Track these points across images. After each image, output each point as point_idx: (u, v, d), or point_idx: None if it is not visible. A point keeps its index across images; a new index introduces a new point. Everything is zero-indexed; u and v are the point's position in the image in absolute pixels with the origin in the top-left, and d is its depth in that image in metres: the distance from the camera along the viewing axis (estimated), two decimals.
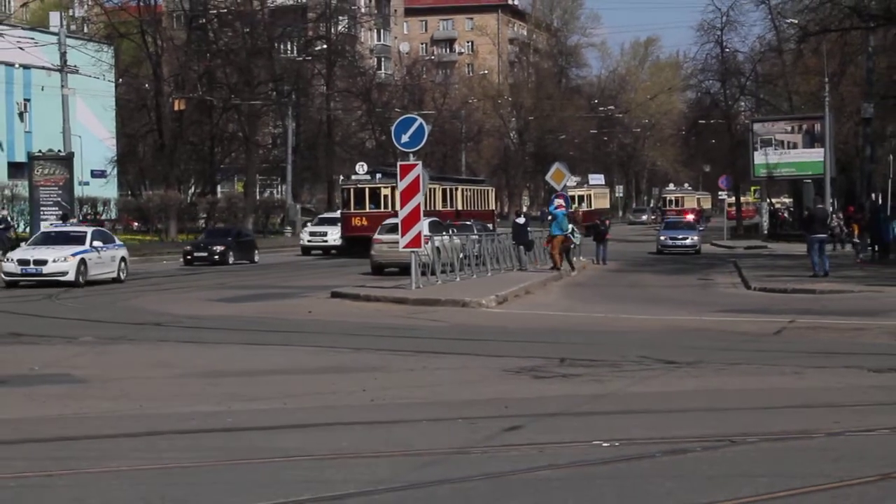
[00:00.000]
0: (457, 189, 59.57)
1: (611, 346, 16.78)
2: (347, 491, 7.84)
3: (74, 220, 47.50)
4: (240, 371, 14.51)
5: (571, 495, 7.77)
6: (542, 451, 9.20)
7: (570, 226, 37.12)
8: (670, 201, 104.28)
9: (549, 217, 37.55)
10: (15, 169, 62.25)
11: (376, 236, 37.68)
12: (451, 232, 35.22)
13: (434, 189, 52.99)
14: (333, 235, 52.21)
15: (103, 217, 55.53)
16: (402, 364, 14.95)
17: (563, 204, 37.77)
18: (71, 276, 30.96)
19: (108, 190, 66.38)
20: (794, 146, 62.00)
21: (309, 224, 57.54)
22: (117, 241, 36.13)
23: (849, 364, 14.56)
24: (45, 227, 41.07)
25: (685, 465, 8.78)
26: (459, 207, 57.82)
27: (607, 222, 48.47)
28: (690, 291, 30.15)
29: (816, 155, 57.25)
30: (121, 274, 33.66)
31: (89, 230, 34.85)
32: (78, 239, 32.97)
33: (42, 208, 49.04)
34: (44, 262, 31.00)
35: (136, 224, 65.97)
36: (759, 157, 63.54)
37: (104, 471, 8.61)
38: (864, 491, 7.91)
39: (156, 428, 10.39)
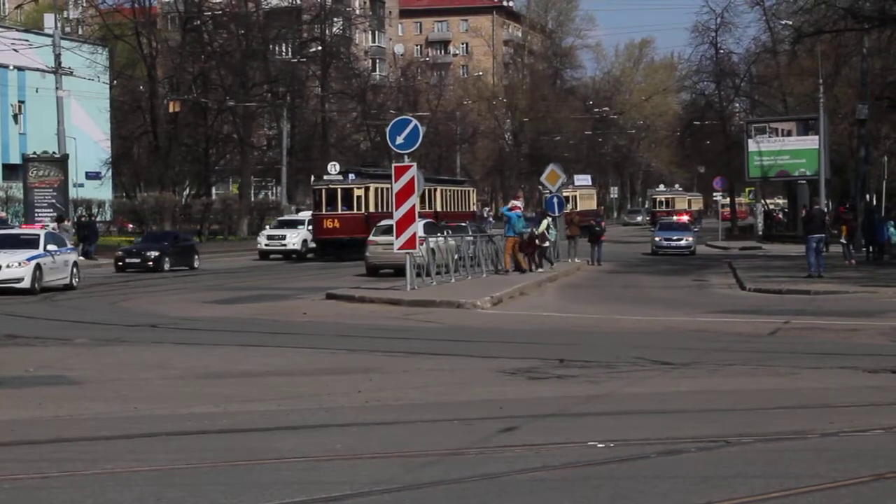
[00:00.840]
0: (436, 190, 58.00)
1: (605, 347, 16.81)
2: (343, 492, 7.84)
3: (69, 223, 47.52)
4: (236, 372, 14.51)
5: (566, 496, 7.78)
6: (538, 452, 9.21)
7: (546, 223, 37.08)
8: (660, 202, 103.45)
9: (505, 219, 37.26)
10: (9, 171, 62.30)
11: (371, 238, 37.66)
12: (445, 233, 35.18)
13: None
14: (293, 239, 49.82)
15: (98, 219, 55.36)
16: (398, 365, 14.96)
17: (518, 206, 37.80)
18: (27, 283, 28.52)
19: (102, 192, 66.33)
20: (789, 133, 62.13)
21: (267, 227, 54.58)
22: (69, 245, 34.33)
23: (844, 365, 14.59)
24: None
25: (680, 466, 8.79)
26: (438, 209, 56.60)
27: (602, 223, 48.51)
28: (685, 292, 30.18)
29: (811, 143, 57.35)
30: (73, 280, 31.38)
31: (42, 233, 32.48)
32: (31, 242, 30.35)
33: (37, 210, 49.13)
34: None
35: (130, 226, 65.94)
36: (752, 146, 63.64)
37: (100, 473, 8.61)
38: (859, 491, 7.92)
39: (152, 430, 10.39)
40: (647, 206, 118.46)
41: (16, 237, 31.50)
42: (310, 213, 51.74)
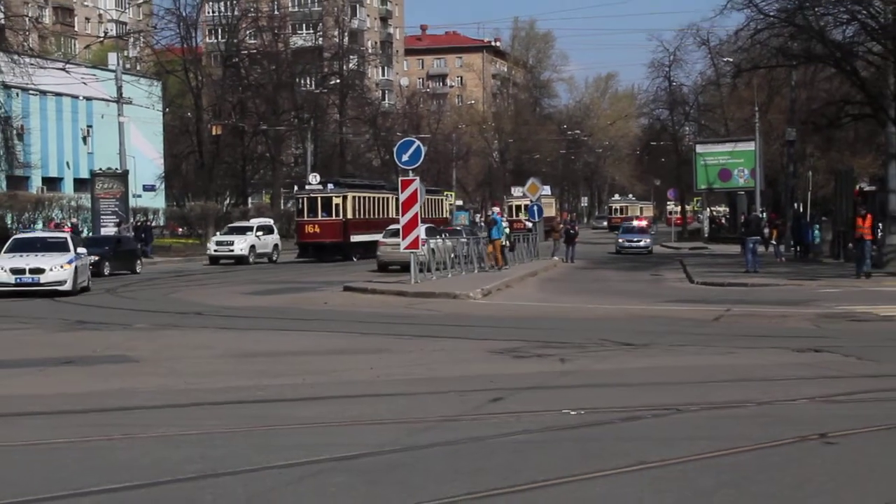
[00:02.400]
0: None
1: (577, 331, 16.79)
2: (356, 452, 7.86)
3: (128, 227, 47.50)
4: (267, 352, 14.51)
5: (544, 455, 7.79)
6: (520, 418, 9.22)
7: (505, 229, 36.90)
8: (616, 210, 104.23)
9: (490, 223, 36.75)
10: (80, 184, 62.31)
11: (381, 240, 37.64)
12: (443, 236, 35.13)
13: (388, 199, 50.11)
14: (240, 245, 43.81)
15: (153, 224, 55.30)
16: (403, 346, 14.96)
17: (501, 211, 37.73)
18: (69, 286, 25.44)
19: (157, 201, 66.35)
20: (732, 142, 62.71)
21: (218, 233, 48.62)
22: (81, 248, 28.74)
23: (775, 345, 14.62)
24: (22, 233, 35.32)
25: (639, 430, 8.80)
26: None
27: (576, 227, 48.45)
28: (644, 285, 30.18)
29: (748, 145, 57.55)
30: (89, 283, 28.05)
31: (68, 235, 29.30)
32: (62, 245, 27.22)
33: (102, 217, 49.10)
34: (41, 271, 25.32)
35: (180, 230, 65.93)
36: (700, 148, 63.79)
37: (155, 436, 8.63)
38: (787, 450, 7.95)
39: (197, 400, 10.41)
40: (605, 213, 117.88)
41: (44, 240, 28.36)
42: (258, 220, 47.99)
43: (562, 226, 50.11)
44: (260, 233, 45.40)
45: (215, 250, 44.24)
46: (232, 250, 43.64)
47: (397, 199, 50.43)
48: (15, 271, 25.42)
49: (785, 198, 50.92)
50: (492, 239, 34.29)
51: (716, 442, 8.09)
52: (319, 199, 46.27)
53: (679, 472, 7.28)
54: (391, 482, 7.04)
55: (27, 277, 25.32)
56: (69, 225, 46.11)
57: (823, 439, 8.24)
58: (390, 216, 48.80)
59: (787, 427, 8.65)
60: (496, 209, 41.20)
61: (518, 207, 70.44)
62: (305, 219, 46.47)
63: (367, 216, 48.18)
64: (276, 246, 46.24)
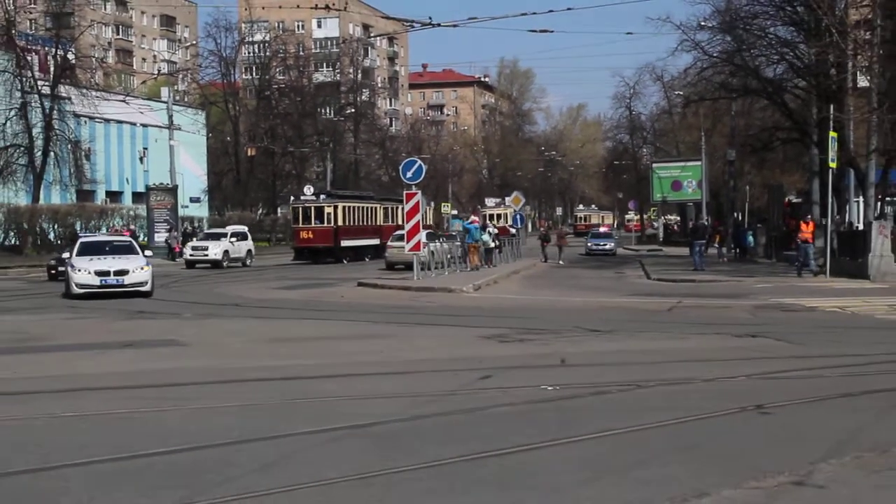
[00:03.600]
0: (397, 208, 50.75)
1: (554, 320, 16.78)
2: (369, 421, 7.84)
3: (177, 233, 47.42)
4: (294, 337, 14.48)
5: (527, 424, 7.77)
6: (506, 392, 9.20)
7: (493, 234, 36.33)
8: (580, 218, 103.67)
9: (464, 230, 36.21)
10: (137, 197, 62.21)
11: (389, 243, 37.57)
12: (441, 240, 35.05)
13: (376, 208, 48.87)
14: (215, 250, 39.51)
15: (198, 230, 55.18)
16: (407, 332, 14.93)
17: (477, 220, 37.40)
18: (149, 286, 22.99)
19: (201, 211, 66.18)
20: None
21: (194, 239, 44.58)
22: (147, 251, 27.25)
23: (719, 332, 14.60)
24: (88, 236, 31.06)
25: (607, 403, 8.79)
26: (400, 222, 49.29)
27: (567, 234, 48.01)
28: (609, 281, 30.17)
29: (695, 163, 57.79)
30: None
31: (132, 239, 26.45)
32: (130, 248, 24.64)
33: (156, 224, 49.09)
34: (124, 273, 22.60)
35: None
36: (656, 167, 63.96)
37: (200, 407, 8.61)
38: (730, 419, 7.94)
39: (236, 377, 10.38)
40: (570, 221, 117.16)
41: (111, 243, 25.29)
42: (233, 227, 43.96)
43: (564, 230, 49.36)
44: (234, 239, 41.39)
45: (191, 255, 39.59)
46: (207, 255, 39.39)
47: (385, 209, 50.14)
48: (100, 273, 22.53)
49: (726, 208, 50.97)
50: (468, 243, 33.57)
51: (671, 412, 8.07)
52: (313, 208, 44.30)
53: (640, 437, 7.27)
54: (397, 446, 7.02)
55: (112, 279, 22.56)
56: (128, 229, 46.00)
57: (760, 410, 8.22)
58: (378, 223, 48.17)
59: (729, 400, 8.64)
60: (473, 217, 40.80)
61: (491, 216, 67.74)
62: (300, 225, 44.54)
63: (356, 223, 46.43)
64: (249, 251, 42.15)
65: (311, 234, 43.76)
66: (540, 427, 7.62)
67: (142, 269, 22.95)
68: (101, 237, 29.83)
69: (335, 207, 44.82)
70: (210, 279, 32.03)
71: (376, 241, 46.27)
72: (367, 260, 44.43)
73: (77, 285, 22.42)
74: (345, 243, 44.84)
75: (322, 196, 45.17)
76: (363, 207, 48.11)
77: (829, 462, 6.49)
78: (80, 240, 25.88)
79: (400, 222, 50.78)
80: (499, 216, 68.69)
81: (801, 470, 6.29)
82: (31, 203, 48.12)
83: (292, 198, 50.25)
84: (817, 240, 31.09)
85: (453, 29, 32.36)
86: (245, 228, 44.28)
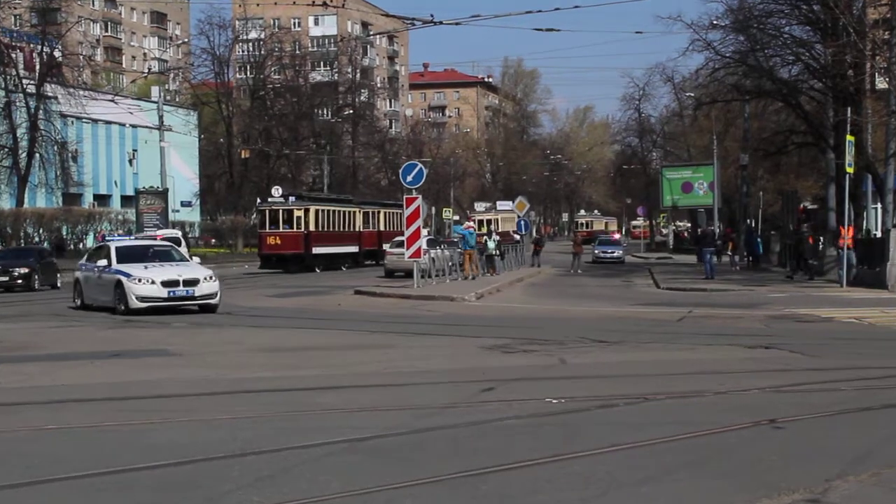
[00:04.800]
0: (379, 212, 50.38)
1: (558, 330, 16.77)
2: (367, 435, 7.84)
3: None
4: (290, 347, 14.49)
5: (530, 438, 7.77)
6: (509, 405, 9.19)
7: (496, 240, 36.00)
8: (581, 224, 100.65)
9: (458, 236, 35.77)
10: (126, 200, 62.40)
11: (388, 250, 37.54)
12: (442, 247, 35.02)
13: (354, 213, 47.10)
14: None
15: (189, 235, 55.28)
16: (407, 342, 14.94)
17: (472, 225, 37.19)
18: (218, 299, 20.29)
19: (193, 215, 66.45)
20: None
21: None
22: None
23: (731, 342, 14.60)
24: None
25: (613, 416, 8.78)
26: (382, 228, 49.31)
27: (544, 239, 47.57)
28: (616, 290, 30.18)
29: (707, 165, 57.80)
30: None
31: (172, 244, 23.72)
32: (177, 254, 22.25)
33: (145, 229, 49.06)
34: (194, 283, 19.85)
35: (213, 240, 65.89)
36: (666, 171, 63.97)
37: (191, 420, 8.61)
38: (741, 433, 7.93)
39: (229, 388, 10.38)
40: (571, 227, 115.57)
41: (152, 248, 22.49)
42: (166, 231, 40.65)
43: (580, 237, 48.69)
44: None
45: None
46: None
47: (365, 213, 48.38)
48: (167, 284, 19.67)
49: (739, 214, 50.98)
50: (463, 250, 32.87)
51: (680, 426, 8.06)
52: (281, 211, 42.31)
53: (647, 452, 7.26)
54: (398, 461, 7.02)
55: (181, 290, 19.75)
56: (100, 235, 45.83)
57: (773, 424, 8.22)
58: (356, 229, 46.38)
59: (741, 413, 8.63)
60: (469, 223, 40.56)
61: (481, 222, 65.81)
62: (267, 230, 42.31)
63: (331, 229, 44.48)
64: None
65: (279, 240, 41.82)
66: (544, 441, 7.61)
67: (210, 279, 20.27)
68: (140, 240, 25.67)
69: (306, 211, 42.82)
70: None
71: (354, 249, 45.02)
72: (343, 269, 43.37)
73: (139, 298, 19.63)
74: (317, 250, 42.92)
75: (292, 198, 43.26)
76: (340, 212, 46.18)
77: (845, 479, 6.49)
78: (114, 243, 22.26)
79: (383, 228, 49.63)
80: (489, 222, 65.77)
81: (816, 487, 6.28)
82: (15, 206, 48.18)
83: (258, 199, 48.40)
84: (832, 248, 31.13)
85: (456, 27, 32.37)
86: (178, 233, 38.98)
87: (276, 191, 43.94)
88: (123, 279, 20.10)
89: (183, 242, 37.13)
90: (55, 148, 50.38)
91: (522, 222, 47.78)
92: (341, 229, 45.80)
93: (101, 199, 63.92)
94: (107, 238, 24.79)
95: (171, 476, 6.66)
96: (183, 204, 63.51)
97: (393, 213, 51.57)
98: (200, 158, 71.45)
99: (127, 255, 21.33)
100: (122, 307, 19.92)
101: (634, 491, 6.23)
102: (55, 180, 50.69)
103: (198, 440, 7.69)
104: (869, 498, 6.18)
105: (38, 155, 49.30)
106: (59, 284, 30.45)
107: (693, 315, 19.97)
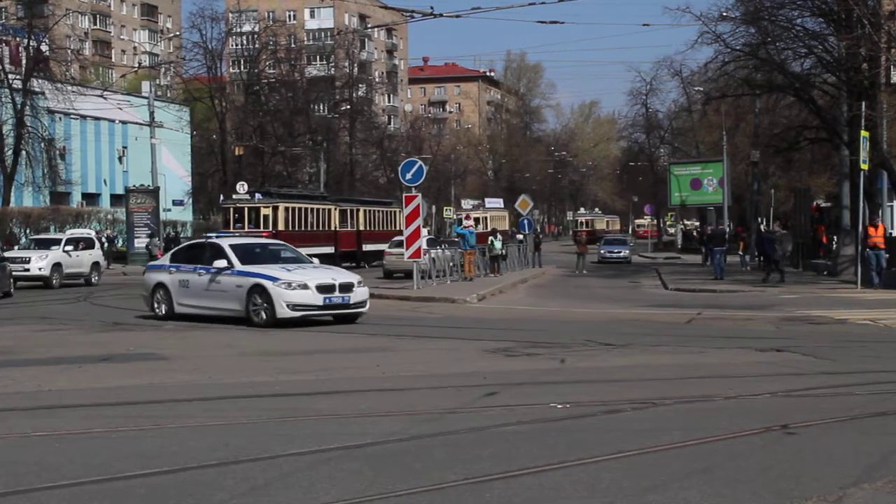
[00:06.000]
0: (358, 210, 48.91)
1: (563, 332, 16.78)
2: (365, 441, 7.84)
3: (158, 240, 47.43)
4: (285, 351, 14.49)
5: (534, 444, 7.78)
6: (512, 411, 9.19)
7: (499, 241, 35.97)
8: (581, 223, 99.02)
9: (458, 236, 35.61)
10: (115, 199, 62.35)
11: (387, 250, 37.53)
12: (443, 247, 35.04)
13: (330, 211, 45.63)
14: (40, 264, 30.75)
15: (181, 235, 55.26)
16: (407, 346, 14.95)
17: (471, 225, 37.01)
18: (367, 306, 18.80)
19: (185, 215, 66.40)
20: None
21: (16, 246, 36.52)
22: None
23: (741, 345, 14.61)
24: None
25: (619, 422, 8.78)
26: (361, 228, 48.07)
27: (540, 237, 47.49)
28: (623, 291, 30.19)
29: (716, 162, 57.75)
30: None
31: (64, 237, 22.40)
32: (299, 255, 20.41)
33: (136, 229, 49.15)
34: (349, 288, 18.22)
35: None
36: (675, 165, 63.89)
37: (182, 426, 8.61)
38: (751, 440, 7.93)
39: (222, 394, 10.39)
40: (572, 226, 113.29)
41: (264, 247, 20.84)
42: (75, 231, 39.28)
43: (584, 236, 48.78)
44: (70, 247, 32.46)
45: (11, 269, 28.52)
46: (28, 270, 30.35)
47: (343, 212, 46.87)
48: (322, 289, 17.92)
49: (750, 213, 50.99)
50: (462, 251, 32.88)
51: (688, 432, 8.07)
52: (247, 209, 40.64)
53: (654, 460, 7.27)
54: (396, 468, 7.02)
55: (336, 297, 18.01)
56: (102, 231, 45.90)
57: (785, 430, 8.23)
58: (332, 228, 45.03)
59: (752, 419, 8.64)
60: (468, 222, 40.37)
61: (476, 220, 64.39)
62: (232, 230, 38.90)
63: (302, 228, 42.79)
64: (95, 264, 33.44)
65: None
66: (548, 448, 7.62)
67: (360, 283, 18.66)
68: (251, 238, 24.44)
69: (275, 209, 41.19)
70: None
71: (329, 250, 42.64)
72: None
73: (291, 305, 17.78)
74: None
75: (259, 195, 41.61)
76: (313, 209, 44.66)
77: (860, 487, 6.49)
78: (225, 240, 20.07)
79: (363, 227, 48.18)
80: (477, 220, 64.37)
81: (830, 495, 6.29)
82: (0, 206, 48.17)
83: (222, 196, 46.38)
84: (847, 247, 31.11)
85: (456, 20, 32.46)
86: (91, 233, 35.96)
87: (242, 187, 42.22)
88: (267, 283, 17.87)
89: (97, 244, 34.74)
90: (42, 145, 50.35)
91: (526, 221, 47.71)
92: (315, 229, 44.22)
93: (90, 198, 63.89)
94: (209, 235, 22.28)
95: (163, 484, 6.66)
96: (174, 202, 63.48)
97: (374, 211, 50.57)
98: (192, 156, 71.41)
99: (245, 254, 19.16)
100: (262, 317, 17.84)
101: (641, 499, 6.23)
102: (42, 178, 50.65)
103: (190, 447, 7.70)
104: None
105: (24, 152, 49.26)
106: (11, 291, 26.90)
107: (702, 317, 19.98)
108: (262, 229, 39.55)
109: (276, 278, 17.98)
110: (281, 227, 40.93)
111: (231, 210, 41.12)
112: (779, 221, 36.93)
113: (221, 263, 18.78)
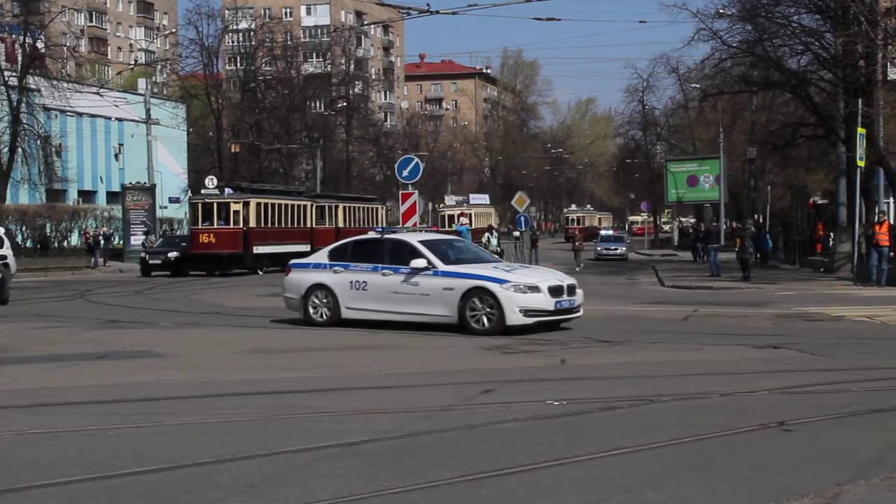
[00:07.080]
0: (337, 206, 47.54)
1: (560, 329, 16.75)
2: (361, 439, 7.84)
3: (154, 237, 47.39)
4: (280, 349, 14.49)
5: (530, 441, 7.77)
6: (509, 408, 9.19)
7: (495, 239, 35.76)
8: (572, 220, 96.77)
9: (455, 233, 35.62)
10: (112, 197, 62.33)
11: None
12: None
13: (306, 207, 44.11)
14: None
15: (177, 232, 55.22)
16: (403, 343, 14.93)
17: (467, 221, 36.89)
18: (581, 311, 16.99)
19: (181, 212, 66.25)
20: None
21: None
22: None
23: (738, 342, 14.61)
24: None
25: (616, 418, 8.79)
26: (340, 225, 46.57)
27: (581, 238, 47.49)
28: (620, 288, 30.18)
29: (713, 158, 57.79)
30: None
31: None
32: (482, 252, 19.47)
33: (132, 226, 49.11)
34: (574, 290, 16.60)
35: None
36: (671, 162, 63.92)
37: (179, 424, 8.60)
38: (747, 437, 7.94)
39: (218, 391, 10.38)
40: (562, 223, 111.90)
41: (451, 243, 18.47)
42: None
43: (580, 234, 48.85)
44: None
45: None
46: None
47: (321, 208, 45.20)
48: (553, 291, 16.12)
49: (746, 210, 51.03)
50: None
51: (685, 429, 8.07)
52: (216, 205, 38.54)
53: (651, 456, 7.27)
54: (392, 466, 7.02)
55: (565, 300, 16.32)
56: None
57: (781, 427, 8.23)
58: (309, 226, 43.69)
59: (748, 416, 8.65)
60: (464, 218, 40.25)
61: (451, 217, 64.47)
62: (200, 227, 38.43)
63: (276, 225, 41.30)
64: (4, 266, 26.01)
65: (212, 238, 37.93)
66: (545, 445, 7.61)
67: (577, 286, 17.02)
68: (431, 234, 21.24)
69: (246, 204, 39.25)
70: (188, 285, 32.01)
71: (305, 248, 39.97)
72: None
73: (525, 311, 15.79)
74: (259, 249, 39.51)
75: (229, 190, 39.58)
76: (287, 205, 43.07)
77: (856, 483, 6.50)
78: (413, 237, 17.95)
79: (342, 224, 46.55)
80: (460, 216, 62.38)
81: (826, 492, 6.29)
82: None
83: (189, 192, 44.11)
84: (843, 244, 31.15)
85: (452, 17, 32.36)
86: (1, 230, 30.76)
87: (211, 181, 40.36)
88: (493, 286, 15.81)
89: (6, 242, 30.02)
90: (38, 142, 50.30)
91: (522, 218, 47.67)
92: (289, 225, 42.71)
93: (86, 196, 63.84)
94: (382, 230, 19.26)
95: (159, 482, 6.65)
96: (171, 200, 63.34)
97: (353, 207, 49.24)
98: (189, 153, 71.34)
99: (437, 252, 16.99)
100: (485, 323, 15.80)
101: (638, 496, 6.23)
102: (38, 176, 50.59)
103: (187, 445, 7.70)
104: (881, 503, 6.18)
105: (20, 150, 49.22)
106: (7, 299, 24.07)
107: (699, 314, 19.97)
108: (231, 226, 38.30)
109: (503, 280, 15.87)
110: (252, 223, 39.32)
111: (199, 206, 39.16)
112: (750, 220, 36.89)
113: (420, 263, 16.46)
